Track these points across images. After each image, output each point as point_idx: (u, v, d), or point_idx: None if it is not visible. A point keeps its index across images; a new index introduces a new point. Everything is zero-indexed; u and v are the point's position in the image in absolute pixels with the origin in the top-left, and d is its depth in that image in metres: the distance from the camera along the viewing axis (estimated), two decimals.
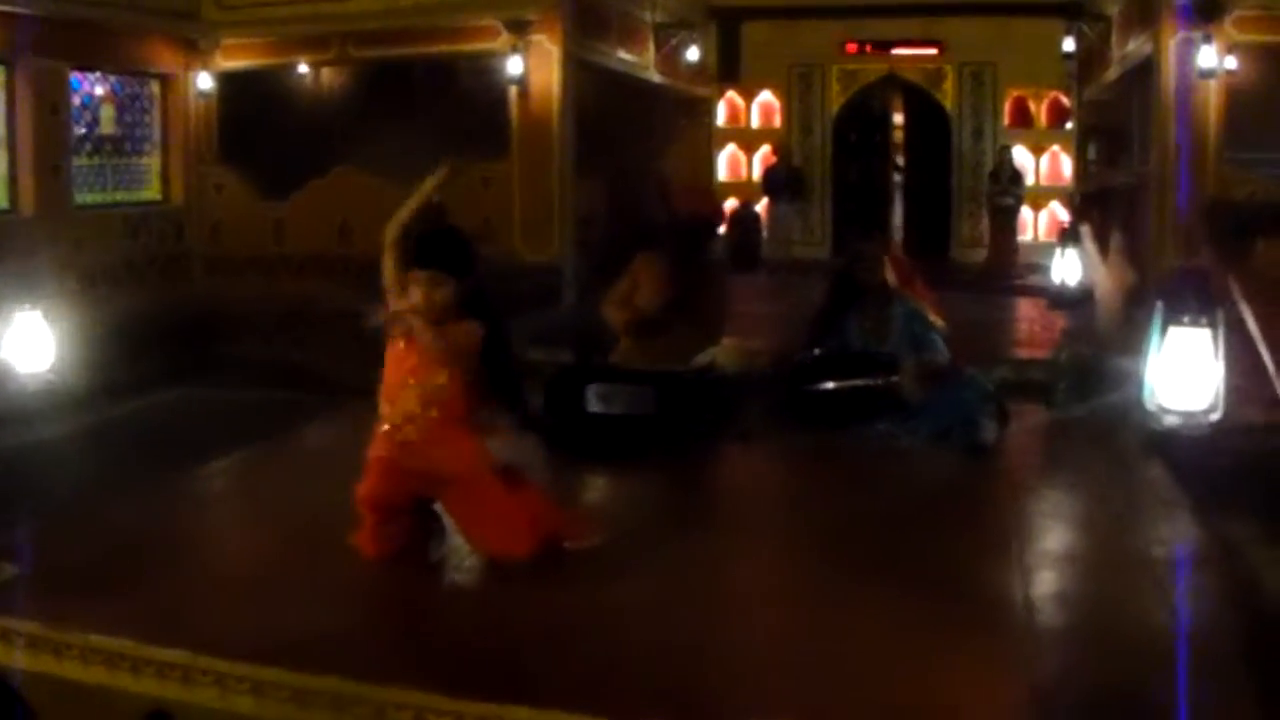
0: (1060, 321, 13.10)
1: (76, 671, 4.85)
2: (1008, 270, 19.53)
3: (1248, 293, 6.85)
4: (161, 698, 4.64)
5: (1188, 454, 6.76)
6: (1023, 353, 12.19)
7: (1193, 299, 5.54)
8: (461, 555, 5.89)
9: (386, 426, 5.76)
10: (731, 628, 5.22)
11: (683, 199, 9.38)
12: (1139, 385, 8.10)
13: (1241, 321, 6.53)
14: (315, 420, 9.31)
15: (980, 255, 21.16)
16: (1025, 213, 21.27)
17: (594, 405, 8.00)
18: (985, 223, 21.38)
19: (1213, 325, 5.48)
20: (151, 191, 16.97)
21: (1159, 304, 5.57)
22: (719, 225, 10.43)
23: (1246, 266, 6.54)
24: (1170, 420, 5.51)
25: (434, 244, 5.79)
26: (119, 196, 16.35)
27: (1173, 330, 5.52)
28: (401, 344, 5.75)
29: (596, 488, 7.75)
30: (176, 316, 14.94)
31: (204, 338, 14.57)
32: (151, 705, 4.63)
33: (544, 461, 6.82)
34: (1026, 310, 15.33)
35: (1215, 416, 5.50)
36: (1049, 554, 6.23)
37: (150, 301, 15.49)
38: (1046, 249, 20.72)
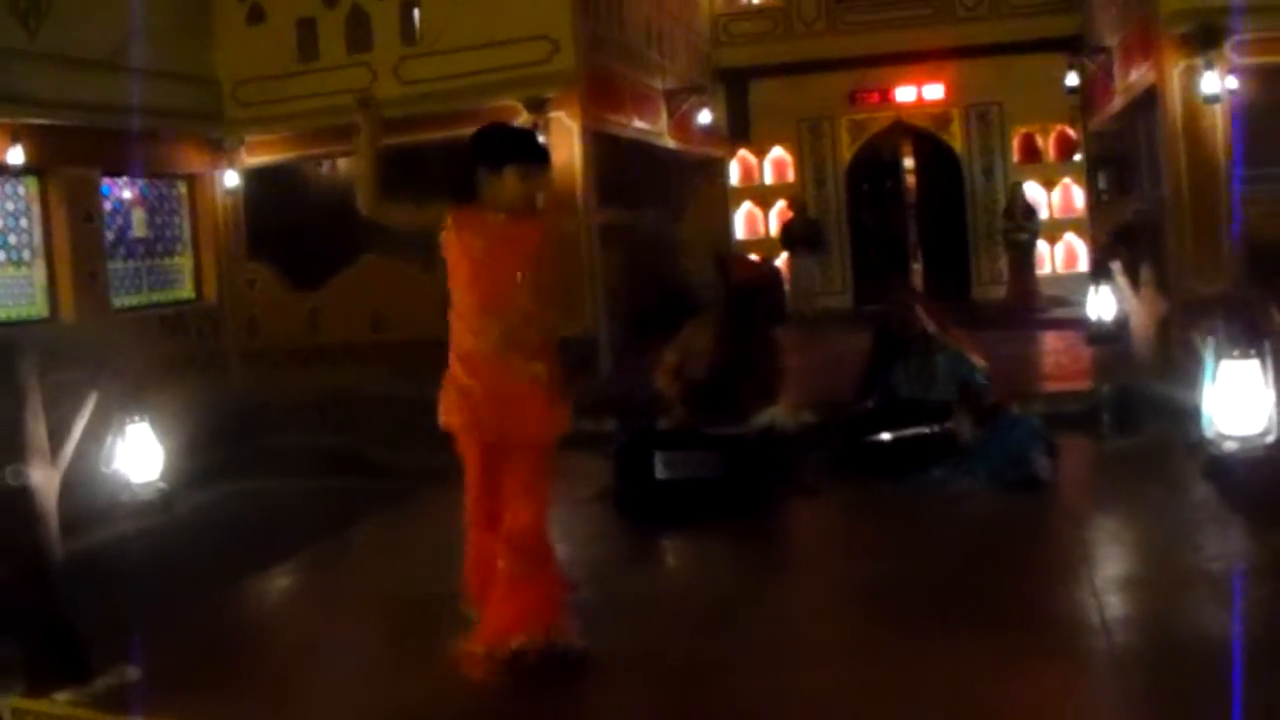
0: (1095, 354, 13.35)
1: None
2: (1029, 305, 19.71)
3: None
4: None
5: (1241, 475, 7.00)
6: (1057, 386, 12.35)
7: (1240, 333, 5.82)
8: None
9: None
10: (825, 678, 5.47)
11: (736, 267, 9.68)
12: (1180, 411, 8.38)
13: None
14: (378, 508, 9.51)
15: (1001, 293, 21.38)
16: (1042, 246, 21.50)
17: (662, 472, 8.24)
18: (1003, 260, 21.62)
19: (1261, 356, 5.76)
20: (186, 291, 17.26)
21: (1209, 340, 5.85)
22: (770, 286, 10.75)
23: None
24: (1229, 445, 5.78)
25: None
26: (155, 298, 16.64)
27: (1225, 363, 5.80)
28: None
29: (675, 551, 8.01)
30: (219, 413, 15.17)
31: (249, 432, 14.77)
32: None
33: None
34: (1054, 344, 15.51)
35: (1270, 439, 5.77)
36: (1118, 579, 6.49)
37: (192, 399, 15.75)
38: (1066, 281, 21.09)
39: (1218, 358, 5.79)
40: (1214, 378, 5.81)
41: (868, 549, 7.63)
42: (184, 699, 5.54)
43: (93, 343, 12.74)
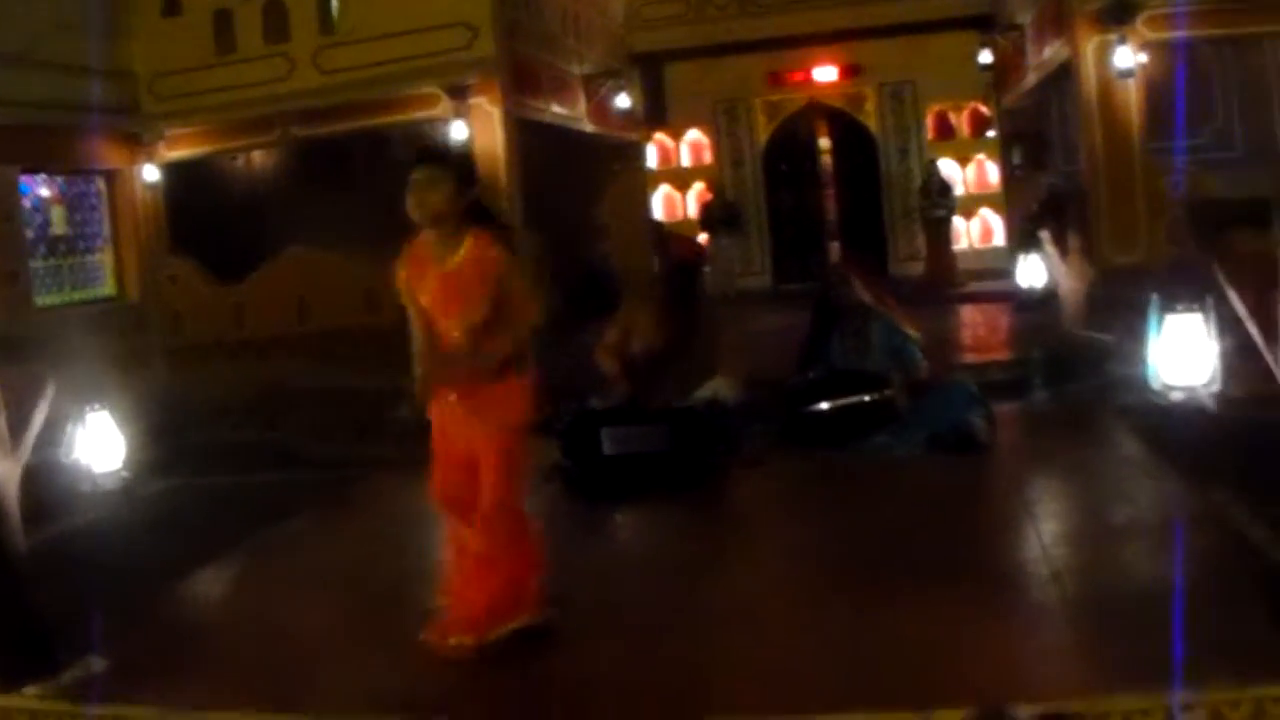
0: (1023, 321, 13.63)
1: None
2: (947, 280, 19.94)
3: (1231, 279, 7.33)
4: None
5: (1177, 429, 7.24)
6: (988, 356, 12.54)
7: (1183, 289, 6.06)
8: None
9: None
10: (778, 639, 5.66)
11: (674, 245, 9.82)
12: (1110, 372, 8.61)
13: (1228, 304, 7.01)
14: (321, 498, 9.51)
15: (919, 269, 21.53)
16: (958, 222, 21.75)
17: (609, 447, 8.34)
18: (920, 237, 21.83)
19: (1203, 310, 5.99)
20: (108, 288, 17.02)
21: (1154, 296, 6.09)
22: (704, 264, 10.90)
23: (1227, 256, 7.06)
24: (1175, 396, 6.04)
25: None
26: (77, 296, 16.40)
27: (1169, 318, 6.02)
28: None
29: (626, 524, 8.10)
30: (150, 410, 14.99)
31: (182, 428, 14.61)
32: None
33: None
34: (979, 316, 15.77)
35: (1215, 389, 6.02)
36: (1064, 533, 6.69)
37: (121, 397, 15.55)
38: (982, 256, 21.41)
39: (1161, 313, 6.04)
40: (1159, 332, 6.06)
41: (814, 514, 7.82)
42: (151, 687, 5.55)
43: (33, 339, 12.59)
